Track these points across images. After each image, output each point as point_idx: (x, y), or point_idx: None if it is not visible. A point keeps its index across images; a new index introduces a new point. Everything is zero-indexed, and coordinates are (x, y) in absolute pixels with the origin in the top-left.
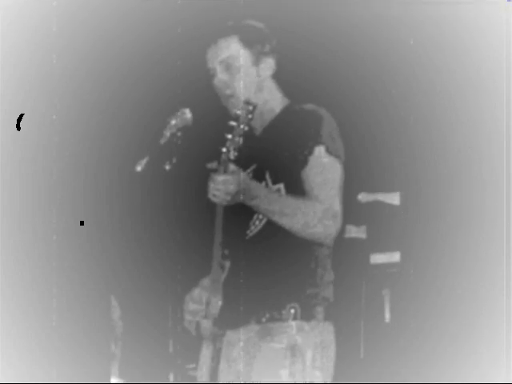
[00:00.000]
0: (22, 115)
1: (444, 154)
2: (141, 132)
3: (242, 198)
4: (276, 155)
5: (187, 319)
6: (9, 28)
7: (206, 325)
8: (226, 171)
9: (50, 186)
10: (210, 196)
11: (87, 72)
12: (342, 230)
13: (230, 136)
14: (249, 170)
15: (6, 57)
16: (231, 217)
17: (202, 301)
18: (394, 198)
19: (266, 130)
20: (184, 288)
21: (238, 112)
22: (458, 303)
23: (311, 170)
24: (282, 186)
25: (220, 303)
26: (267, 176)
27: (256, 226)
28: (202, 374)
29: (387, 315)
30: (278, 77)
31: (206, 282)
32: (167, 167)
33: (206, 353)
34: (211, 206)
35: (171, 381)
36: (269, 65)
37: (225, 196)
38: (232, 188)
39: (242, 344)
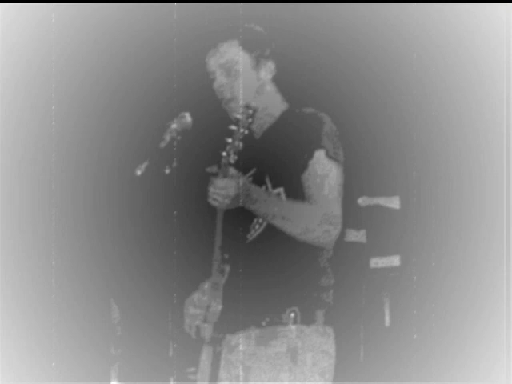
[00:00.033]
0: None
1: (444, 155)
2: (141, 136)
3: (241, 201)
4: (276, 159)
5: (187, 323)
6: (9, 28)
7: (206, 329)
8: (225, 175)
9: (50, 189)
10: (210, 200)
11: (87, 75)
12: (342, 234)
13: (230, 140)
14: (249, 174)
15: (6, 57)
16: (231, 221)
17: (202, 305)
18: (393, 202)
19: (266, 133)
20: (184, 292)
21: (238, 116)
22: (457, 307)
23: (311, 174)
24: (281, 189)
25: (220, 307)
26: (267, 180)
27: (256, 229)
28: (202, 377)
29: (387, 319)
30: (277, 80)
31: (205, 285)
32: (167, 171)
33: (205, 356)
34: (211, 210)
35: None
36: (269, 68)
37: (225, 200)
38: (232, 192)
39: (241, 348)
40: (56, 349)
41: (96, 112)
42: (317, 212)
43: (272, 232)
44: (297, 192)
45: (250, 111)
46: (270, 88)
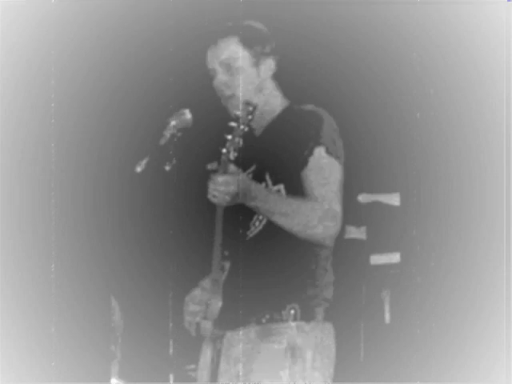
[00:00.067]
0: None
1: (444, 155)
2: (141, 133)
3: (241, 198)
4: (276, 156)
5: (187, 320)
6: (9, 28)
7: (206, 325)
8: (225, 172)
9: (50, 186)
10: (210, 197)
11: (87, 72)
12: (342, 231)
13: (230, 137)
14: (249, 171)
15: (6, 57)
16: (231, 218)
17: (202, 302)
18: (394, 199)
19: (266, 130)
20: (184, 289)
21: (238, 113)
22: (458, 304)
23: (311, 171)
24: (282, 186)
25: (220, 304)
26: (267, 177)
27: (256, 226)
28: (202, 374)
29: (387, 316)
30: (278, 77)
31: (206, 282)
32: (167, 168)
33: (205, 354)
34: (211, 207)
35: (171, 382)
36: (269, 65)
37: (225, 197)
38: (232, 189)
39: (241, 345)
40: (56, 348)
41: (96, 109)
42: (317, 209)
43: (272, 229)
44: (297, 189)
45: (250, 108)
46: (270, 85)
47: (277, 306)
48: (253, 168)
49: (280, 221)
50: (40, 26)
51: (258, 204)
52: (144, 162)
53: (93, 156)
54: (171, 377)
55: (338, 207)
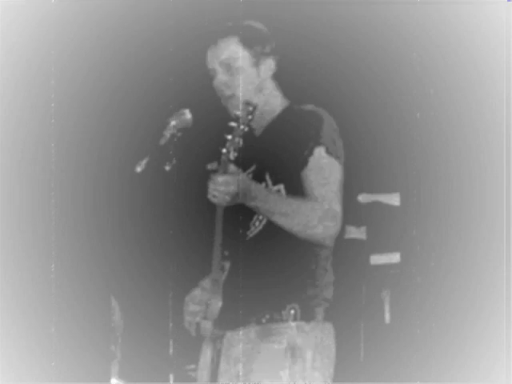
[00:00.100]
0: None
1: (444, 155)
2: (141, 133)
3: (241, 198)
4: (276, 156)
5: (187, 320)
6: (9, 28)
7: (206, 325)
8: (225, 172)
9: (50, 186)
10: (210, 197)
11: (87, 72)
12: (342, 231)
13: (230, 137)
14: (249, 171)
15: (6, 57)
16: (231, 218)
17: (202, 302)
18: (394, 199)
19: (266, 130)
20: (184, 289)
21: (238, 113)
22: (458, 304)
23: (311, 171)
24: (282, 186)
25: (220, 304)
26: (267, 177)
27: (256, 226)
28: (202, 374)
29: (387, 316)
30: (278, 77)
31: (205, 282)
32: (167, 168)
33: (205, 354)
34: (211, 207)
35: (171, 382)
36: (269, 65)
37: (225, 197)
38: (232, 189)
39: (241, 345)
40: (56, 348)
41: (96, 109)
42: (317, 209)
43: (272, 229)
44: (297, 189)
45: (250, 108)
46: (270, 85)
47: (277, 306)
48: (253, 168)
49: (280, 221)
50: (40, 25)
51: (258, 204)
52: (144, 162)
53: (93, 156)
54: (171, 377)
55: (338, 207)
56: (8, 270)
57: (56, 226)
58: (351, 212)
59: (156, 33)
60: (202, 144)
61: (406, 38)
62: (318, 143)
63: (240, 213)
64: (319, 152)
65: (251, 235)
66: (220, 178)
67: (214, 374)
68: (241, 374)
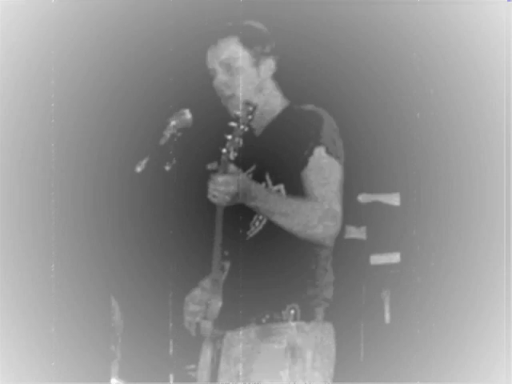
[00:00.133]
0: None
1: (444, 155)
2: (141, 133)
3: (241, 198)
4: (276, 156)
5: (187, 320)
6: (9, 28)
7: (206, 325)
8: (225, 172)
9: (50, 186)
10: (210, 197)
11: (87, 72)
12: (342, 231)
13: (230, 137)
14: (249, 171)
15: (6, 57)
16: (231, 218)
17: (202, 302)
18: (394, 199)
19: (266, 130)
20: (184, 289)
21: (238, 113)
22: (458, 304)
23: (311, 171)
24: (282, 186)
25: (220, 304)
26: (267, 177)
27: (256, 226)
28: (202, 374)
29: (387, 316)
30: (278, 77)
31: (205, 282)
32: (167, 168)
33: (205, 354)
34: (211, 207)
35: (171, 382)
36: (269, 66)
37: (225, 197)
38: (232, 189)
39: (241, 345)
40: (56, 348)
41: (96, 109)
42: (317, 209)
43: (272, 229)
44: (297, 189)
45: (250, 108)
46: (270, 85)
47: (277, 306)
48: (253, 168)
49: (280, 221)
50: (40, 25)
51: (258, 204)
52: (144, 162)
53: (93, 156)
54: (171, 377)
55: (338, 207)
56: (8, 270)
57: (56, 226)
58: (351, 212)
59: (156, 33)
60: (202, 144)
61: (406, 38)
62: (317, 143)
63: (240, 213)
64: (319, 152)
65: (251, 235)
66: (220, 178)
67: (214, 374)
68: (241, 373)
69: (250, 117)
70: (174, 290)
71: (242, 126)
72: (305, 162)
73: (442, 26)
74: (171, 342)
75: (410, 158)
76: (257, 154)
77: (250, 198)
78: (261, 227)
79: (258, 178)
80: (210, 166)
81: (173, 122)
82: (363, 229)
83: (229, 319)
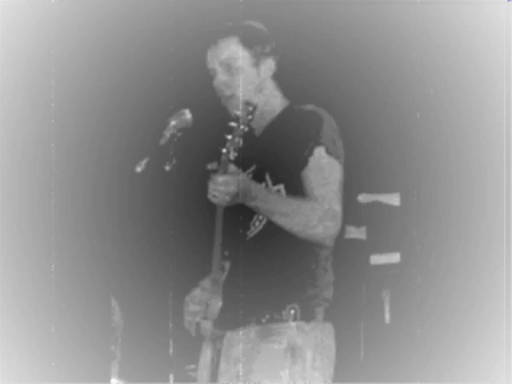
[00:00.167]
0: None
1: (444, 155)
2: (141, 133)
3: (241, 198)
4: (276, 156)
5: (187, 320)
6: (9, 28)
7: (206, 325)
8: (225, 172)
9: (50, 186)
10: (210, 197)
11: (87, 72)
12: (342, 231)
13: (229, 137)
14: (249, 171)
15: (6, 57)
16: (231, 218)
17: (202, 302)
18: (394, 199)
19: (266, 130)
20: (184, 289)
21: (238, 113)
22: (458, 304)
23: (311, 171)
24: (282, 186)
25: (220, 304)
26: (267, 177)
27: (256, 226)
28: (202, 374)
29: (387, 316)
30: (278, 77)
31: (205, 282)
32: (167, 168)
33: (205, 354)
34: (211, 207)
35: (171, 382)
36: (269, 66)
37: (225, 197)
38: (232, 189)
39: (241, 345)
40: (56, 348)
41: (96, 109)
42: (317, 209)
43: (272, 229)
44: (297, 189)
45: (250, 108)
46: (270, 85)
47: (277, 306)
48: (253, 168)
49: (280, 221)
50: (40, 25)
51: (258, 204)
52: (144, 162)
53: (93, 156)
54: (171, 377)
55: (338, 207)
56: (8, 270)
57: (56, 226)
58: (351, 212)
59: (156, 33)
60: (202, 144)
61: (406, 38)
62: (317, 143)
63: (240, 213)
64: (319, 152)
65: (251, 235)
66: (220, 178)
67: (214, 374)
68: (241, 373)
69: (250, 117)
70: (173, 290)
71: (241, 126)
72: (305, 162)
73: (442, 26)
74: (171, 342)
75: (409, 157)
76: (257, 154)
77: (250, 198)
78: (261, 227)
79: (258, 178)
80: (210, 166)
81: (173, 122)
82: (363, 229)
83: (229, 319)
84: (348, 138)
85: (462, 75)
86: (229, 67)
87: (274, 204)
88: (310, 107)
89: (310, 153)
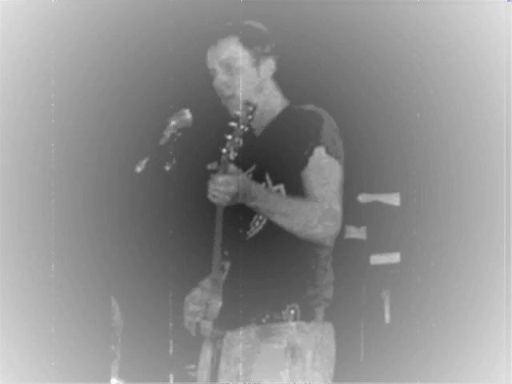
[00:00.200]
0: None
1: (444, 155)
2: (141, 133)
3: (241, 198)
4: (276, 156)
5: (187, 320)
6: (9, 28)
7: (206, 325)
8: (225, 172)
9: (50, 186)
10: (210, 197)
11: (87, 72)
12: (342, 231)
13: (230, 137)
14: (249, 171)
15: (6, 57)
16: (231, 218)
17: (202, 302)
18: (394, 199)
19: (266, 130)
20: (184, 289)
21: (238, 113)
22: (458, 304)
23: (311, 171)
24: (282, 186)
25: (220, 304)
26: (267, 177)
27: (256, 226)
28: (202, 374)
29: (387, 316)
30: (278, 77)
31: (205, 282)
32: (167, 168)
33: (205, 354)
34: (211, 207)
35: (171, 382)
36: (269, 65)
37: (225, 197)
38: (232, 189)
39: (241, 345)
40: (56, 348)
41: (96, 109)
42: (317, 209)
43: (272, 229)
44: (297, 189)
45: (250, 108)
46: (270, 85)
47: (277, 306)
48: (253, 168)
49: (280, 221)
50: (40, 25)
51: (258, 204)
52: (144, 161)
53: (93, 156)
54: (171, 377)
55: (338, 207)
56: (8, 270)
57: (56, 226)
58: (351, 212)
59: (156, 33)
60: (202, 144)
61: (406, 38)
62: (317, 143)
63: (240, 213)
64: (319, 152)
65: (251, 235)
66: (220, 178)
67: (214, 374)
68: (241, 373)
69: (250, 117)
70: (174, 290)
71: (241, 126)
72: (305, 162)
73: (442, 26)
74: (171, 342)
75: (410, 157)
76: (257, 154)
77: (250, 198)
78: (261, 227)
79: (258, 178)
80: (210, 166)
81: (173, 122)
82: (363, 229)
83: (229, 319)
84: (348, 138)
85: (461, 75)
86: (229, 67)
87: (274, 204)
88: (309, 107)
89: (310, 153)
